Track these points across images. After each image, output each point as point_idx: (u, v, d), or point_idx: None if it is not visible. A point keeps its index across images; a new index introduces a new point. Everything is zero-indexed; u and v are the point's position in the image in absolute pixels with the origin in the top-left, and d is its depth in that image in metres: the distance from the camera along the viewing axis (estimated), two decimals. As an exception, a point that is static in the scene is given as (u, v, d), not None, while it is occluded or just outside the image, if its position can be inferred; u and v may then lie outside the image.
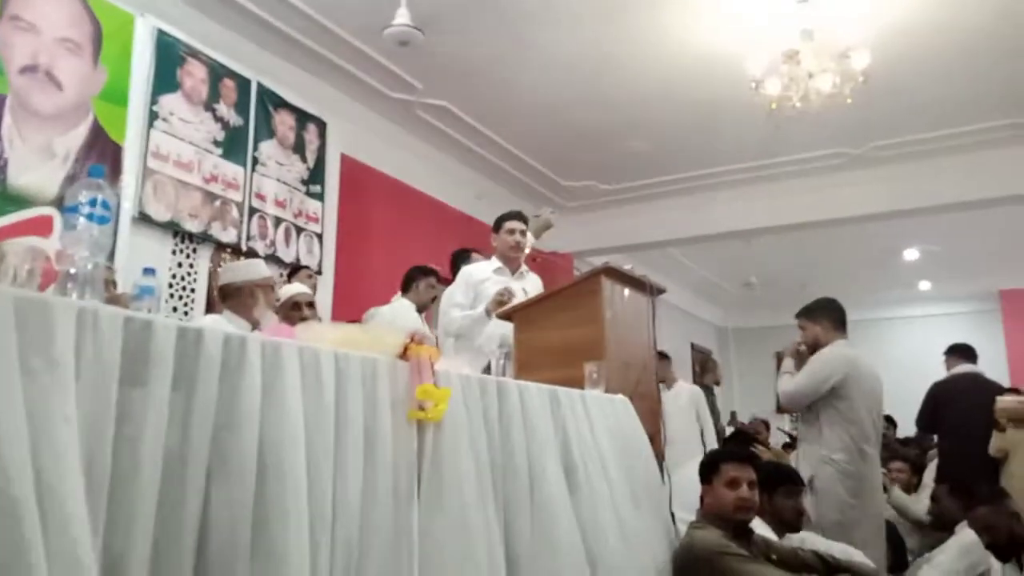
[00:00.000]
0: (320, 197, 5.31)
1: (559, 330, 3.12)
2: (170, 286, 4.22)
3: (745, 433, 7.42)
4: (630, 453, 2.62)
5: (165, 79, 4.27)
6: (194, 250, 4.39)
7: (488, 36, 5.05)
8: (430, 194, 6.60)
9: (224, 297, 3.26)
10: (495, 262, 3.99)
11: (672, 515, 2.83)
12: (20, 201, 3.52)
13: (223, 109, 4.61)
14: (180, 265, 4.31)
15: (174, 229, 4.25)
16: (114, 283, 3.20)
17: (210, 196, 4.45)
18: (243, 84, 4.77)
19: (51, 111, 3.72)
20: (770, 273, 10.71)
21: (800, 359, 3.98)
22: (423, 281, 4.56)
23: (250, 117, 4.79)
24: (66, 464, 1.02)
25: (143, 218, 4.07)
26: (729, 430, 7.60)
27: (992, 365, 6.94)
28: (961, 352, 5.45)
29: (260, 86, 4.88)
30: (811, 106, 4.62)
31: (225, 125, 4.61)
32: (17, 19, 3.60)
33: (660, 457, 2.95)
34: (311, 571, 1.32)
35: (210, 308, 4.24)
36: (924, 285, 11.39)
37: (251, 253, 4.57)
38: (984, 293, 11.14)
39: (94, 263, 1.27)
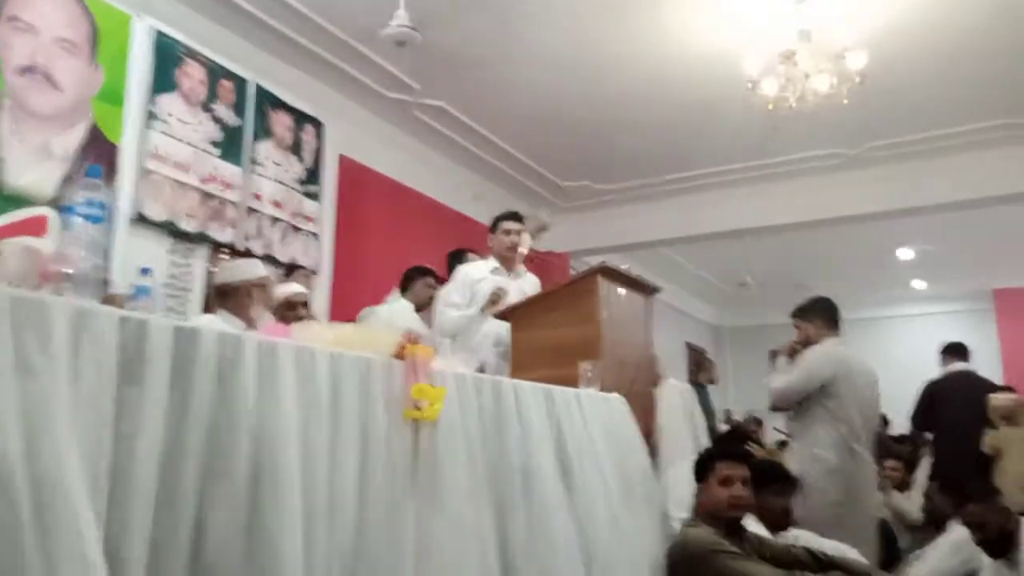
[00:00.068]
0: (317, 197, 5.31)
1: (555, 329, 3.14)
2: (166, 286, 4.23)
3: (739, 431, 7.45)
4: (625, 452, 2.64)
5: (163, 79, 4.27)
6: (191, 250, 4.39)
7: (485, 36, 5.06)
8: (427, 194, 6.60)
9: (220, 297, 3.26)
10: (492, 262, 4.01)
11: (666, 513, 2.85)
12: (17, 201, 3.52)
13: (221, 110, 4.61)
14: (176, 265, 4.32)
15: (171, 229, 4.26)
16: (110, 283, 3.21)
17: (207, 196, 4.45)
18: (241, 85, 4.77)
19: (49, 111, 3.72)
20: (765, 272, 10.72)
21: (795, 358, 4.00)
22: (421, 281, 4.58)
23: (247, 117, 4.80)
24: (69, 464, 1.04)
25: (140, 218, 4.07)
26: (724, 428, 7.62)
27: (986, 363, 6.97)
28: (955, 351, 5.47)
29: (258, 87, 4.89)
30: (807, 106, 4.63)
31: (223, 126, 4.61)
32: (15, 20, 3.60)
33: (654, 456, 2.97)
34: (306, 570, 1.33)
35: (206, 308, 4.25)
36: (919, 284, 11.40)
37: (248, 253, 4.58)
38: (978, 292, 11.16)
39: (90, 263, 1.28)
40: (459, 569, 1.71)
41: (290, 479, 1.34)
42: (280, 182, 5.00)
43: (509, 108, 6.07)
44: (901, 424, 6.25)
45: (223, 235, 4.52)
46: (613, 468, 2.48)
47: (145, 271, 1.61)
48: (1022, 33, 4.94)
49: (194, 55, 4.47)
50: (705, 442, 3.90)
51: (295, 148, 5.16)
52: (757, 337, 11.56)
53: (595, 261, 4.14)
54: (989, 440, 4.65)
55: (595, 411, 2.54)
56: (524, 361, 3.11)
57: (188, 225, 4.33)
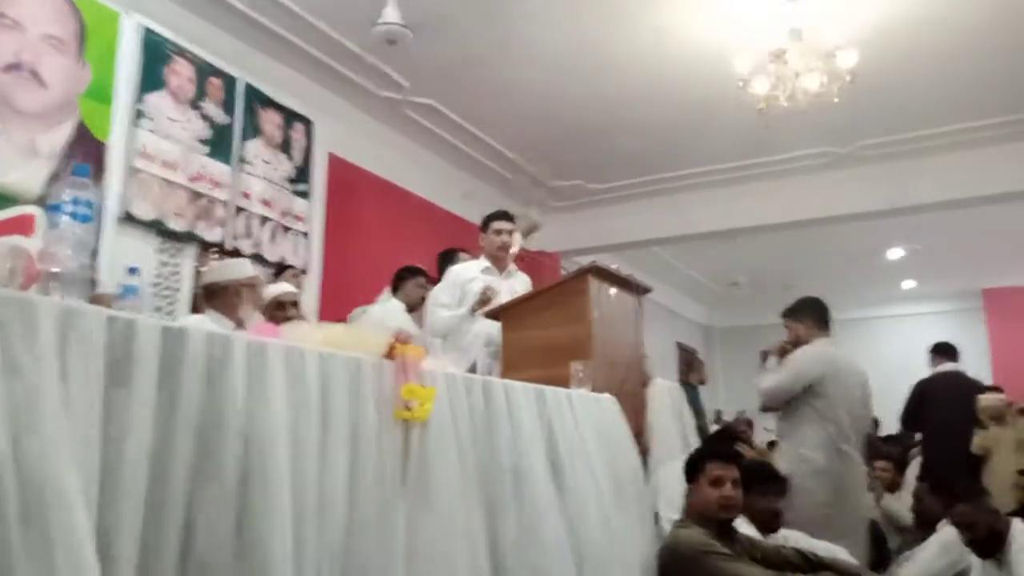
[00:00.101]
0: (307, 196, 5.29)
1: (545, 329, 3.13)
2: (155, 285, 4.20)
3: (728, 431, 7.45)
4: (616, 452, 2.64)
5: (151, 77, 4.25)
6: (179, 249, 4.37)
7: (476, 35, 5.05)
8: (417, 193, 6.59)
9: (209, 296, 3.25)
10: (483, 262, 4.00)
11: (657, 514, 2.85)
12: (3, 199, 3.49)
13: (209, 107, 4.59)
14: (165, 264, 4.29)
15: (159, 228, 4.23)
16: (98, 282, 3.19)
17: (196, 195, 4.43)
18: (229, 82, 4.74)
19: (35, 109, 3.69)
20: (756, 272, 10.75)
21: (785, 358, 4.01)
22: (412, 281, 4.57)
23: (236, 116, 4.77)
24: (60, 463, 1.03)
25: (128, 217, 4.04)
26: (715, 428, 7.63)
27: (975, 363, 7.00)
28: (944, 351, 5.50)
29: (247, 85, 4.86)
30: (798, 105, 4.64)
31: (211, 124, 4.59)
32: (1, 16, 3.57)
33: (645, 456, 2.97)
34: (296, 570, 1.33)
35: (195, 308, 4.22)
36: (908, 284, 11.46)
37: (237, 252, 4.55)
38: (967, 292, 11.22)
39: (77, 262, 1.27)
40: (449, 569, 1.70)
41: (280, 479, 1.33)
42: (269, 181, 4.98)
43: (500, 107, 6.06)
44: (890, 424, 6.27)
45: (212, 234, 4.50)
46: (604, 468, 2.48)
47: (133, 270, 1.60)
48: (1012, 32, 4.97)
49: (182, 53, 4.44)
50: (694, 441, 3.91)
51: (284, 147, 5.14)
52: (748, 337, 11.56)
53: (586, 261, 4.14)
54: (978, 440, 4.68)
55: (586, 411, 2.53)
56: (515, 361, 3.11)
57: (176, 224, 4.30)
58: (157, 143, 4.24)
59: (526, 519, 2.02)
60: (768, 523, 3.13)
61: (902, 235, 9.09)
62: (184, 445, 1.24)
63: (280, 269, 4.79)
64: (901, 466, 5.41)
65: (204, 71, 4.57)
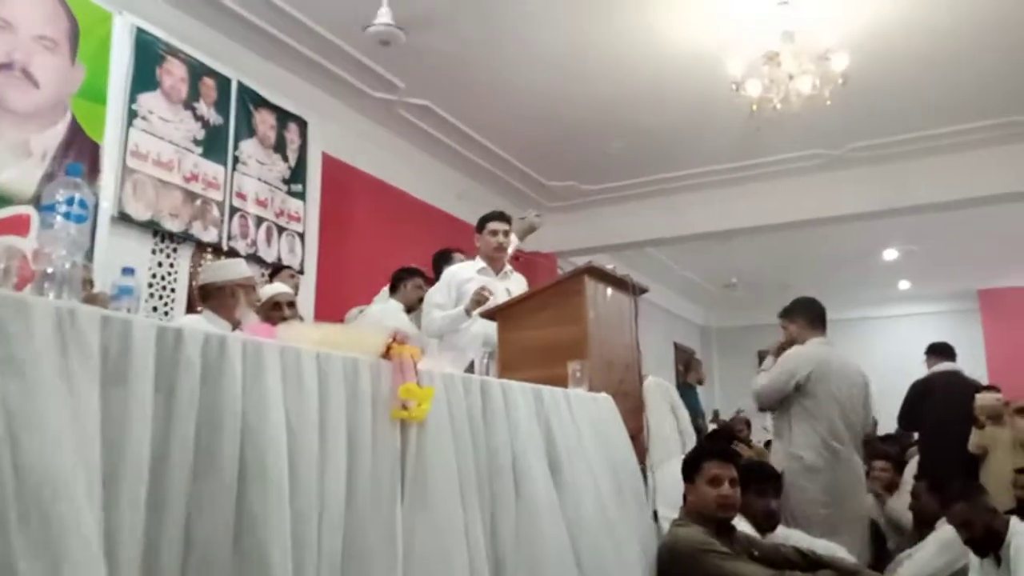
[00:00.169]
0: (302, 196, 5.28)
1: (542, 329, 3.13)
2: (150, 286, 4.19)
3: (726, 431, 7.46)
4: (613, 451, 2.63)
5: (144, 77, 4.23)
6: (174, 250, 4.35)
7: (470, 35, 5.04)
8: (412, 194, 6.59)
9: (204, 297, 3.24)
10: (479, 262, 4.00)
11: (655, 513, 2.84)
12: (-3, 199, 3.48)
13: (203, 108, 4.57)
14: (160, 265, 4.27)
15: (154, 228, 4.21)
16: (92, 282, 3.17)
17: (190, 195, 4.41)
18: (223, 83, 4.73)
19: (28, 109, 3.67)
20: (752, 273, 10.76)
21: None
22: (410, 282, 4.57)
23: (230, 116, 4.76)
24: (62, 462, 1.02)
25: (122, 217, 4.03)
26: (712, 427, 7.63)
27: (971, 364, 7.00)
28: (941, 351, 5.49)
29: (240, 85, 4.84)
30: (791, 107, 4.65)
31: (205, 124, 4.57)
32: (-7, 17, 3.56)
33: (643, 455, 2.97)
34: (294, 571, 1.32)
35: (191, 308, 4.21)
36: (904, 285, 11.49)
37: (232, 253, 4.54)
38: (963, 292, 11.26)
39: (72, 262, 1.26)
40: (447, 568, 1.69)
41: (277, 480, 1.33)
42: (264, 181, 4.97)
43: (494, 107, 6.05)
44: (887, 424, 6.27)
45: (207, 235, 4.48)
46: (602, 467, 2.47)
47: (128, 271, 1.58)
48: (1002, 36, 4.98)
49: (175, 53, 4.43)
50: (690, 439, 3.92)
51: (279, 147, 5.13)
52: (744, 338, 11.63)
53: (582, 261, 4.13)
54: (975, 440, 4.67)
55: (584, 410, 2.53)
56: (512, 361, 3.10)
57: (171, 224, 4.28)
58: (151, 143, 4.22)
59: (524, 518, 2.01)
60: (764, 521, 3.13)
61: (898, 236, 9.11)
62: (181, 446, 1.23)
63: (276, 269, 4.77)
64: (900, 466, 5.41)
65: (197, 71, 4.55)
